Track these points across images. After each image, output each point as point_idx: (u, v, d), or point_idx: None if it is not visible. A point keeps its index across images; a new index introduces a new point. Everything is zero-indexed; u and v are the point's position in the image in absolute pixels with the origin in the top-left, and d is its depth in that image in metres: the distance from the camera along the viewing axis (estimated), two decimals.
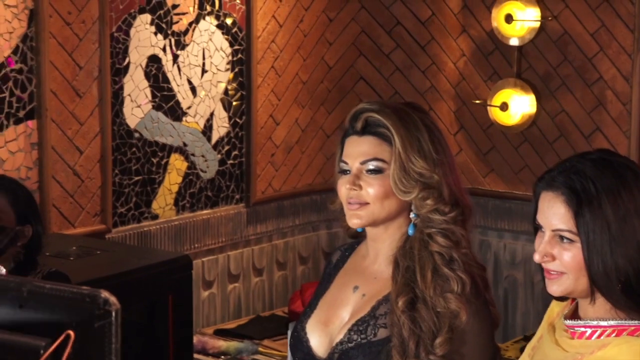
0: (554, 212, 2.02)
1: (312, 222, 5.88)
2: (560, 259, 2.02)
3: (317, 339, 2.43)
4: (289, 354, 3.67)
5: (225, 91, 5.28)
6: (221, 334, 5.21)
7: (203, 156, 5.22)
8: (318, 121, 5.82)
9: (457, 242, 2.34)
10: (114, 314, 1.78)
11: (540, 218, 2.06)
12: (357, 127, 2.38)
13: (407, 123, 2.34)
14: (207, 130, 5.23)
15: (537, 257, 2.06)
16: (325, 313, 2.46)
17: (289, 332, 3.74)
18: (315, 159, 5.84)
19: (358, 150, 2.37)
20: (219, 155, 5.30)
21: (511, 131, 5.57)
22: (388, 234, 2.40)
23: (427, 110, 2.51)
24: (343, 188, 2.39)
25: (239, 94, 5.34)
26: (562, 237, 2.02)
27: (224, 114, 5.29)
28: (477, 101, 5.62)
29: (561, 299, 2.18)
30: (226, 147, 5.33)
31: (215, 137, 5.27)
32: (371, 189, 2.35)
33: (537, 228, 2.10)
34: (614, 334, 2.01)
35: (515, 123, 5.51)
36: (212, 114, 5.23)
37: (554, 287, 2.06)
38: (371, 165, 2.35)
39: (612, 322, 2.02)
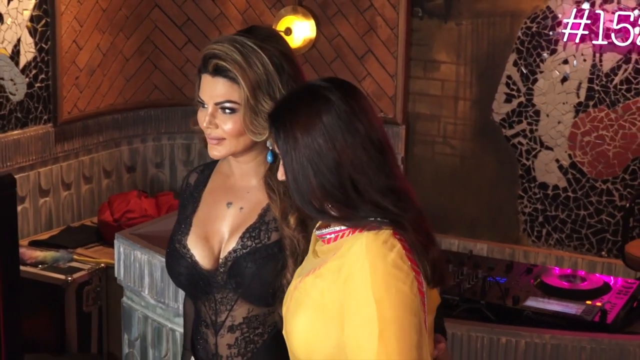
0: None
1: (114, 139, 5.72)
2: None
3: (201, 252, 2.35)
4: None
5: (31, 18, 5.00)
6: (35, 245, 5.03)
7: (12, 80, 4.94)
8: (118, 46, 5.62)
9: None
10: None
11: None
12: (209, 69, 2.27)
13: (256, 66, 2.21)
14: (15, 55, 4.95)
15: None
16: (203, 229, 2.37)
17: (115, 242, 3.67)
18: (116, 81, 5.66)
19: (212, 91, 2.25)
20: (27, 79, 5.04)
21: (294, 54, 5.57)
22: (251, 156, 2.34)
23: (280, 38, 2.39)
24: (201, 122, 2.31)
25: (43, 21, 5.07)
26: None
27: (30, 40, 5.02)
28: None
29: None
30: (33, 71, 5.07)
31: (22, 62, 4.99)
32: (226, 127, 2.26)
33: None
34: (349, 234, 2.01)
35: (298, 46, 5.53)
36: (19, 40, 4.95)
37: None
38: (224, 106, 2.28)
39: (348, 224, 2.02)
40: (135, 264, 3.53)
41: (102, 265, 4.83)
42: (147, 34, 5.79)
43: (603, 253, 5.29)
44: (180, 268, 2.37)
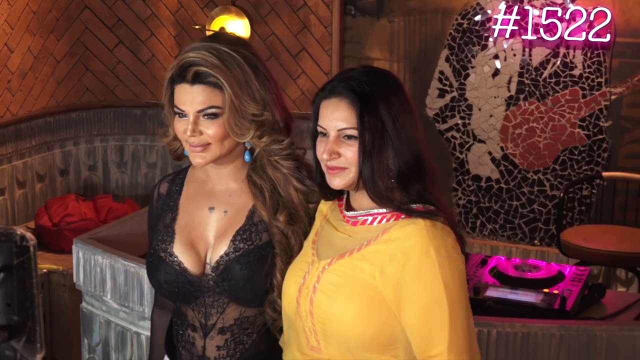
0: (338, 115, 2.07)
1: (47, 142, 5.62)
2: (345, 155, 2.07)
3: (188, 258, 2.34)
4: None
5: None
6: None
7: None
8: (49, 48, 5.52)
9: (297, 156, 2.34)
10: (31, 249, 1.64)
11: (324, 122, 2.09)
12: (187, 78, 2.25)
13: (235, 69, 2.21)
14: None
15: (325, 156, 2.09)
16: (187, 236, 2.35)
17: (74, 247, 3.61)
18: (48, 83, 5.55)
19: (193, 100, 2.22)
20: None
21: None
22: (230, 160, 2.34)
23: (247, 41, 2.42)
24: (182, 131, 2.28)
25: None
26: (346, 136, 2.07)
27: None
28: (197, 26, 5.55)
29: (332, 196, 2.23)
30: None
31: None
32: (210, 131, 2.24)
33: (316, 135, 2.14)
34: (393, 219, 2.08)
35: None
36: None
37: (337, 181, 2.10)
38: (208, 112, 2.26)
39: (387, 209, 2.10)
40: (96, 269, 3.48)
41: (45, 270, 4.74)
42: (77, 36, 5.69)
43: (536, 242, 5.43)
44: (168, 276, 2.35)
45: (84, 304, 3.65)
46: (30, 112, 5.43)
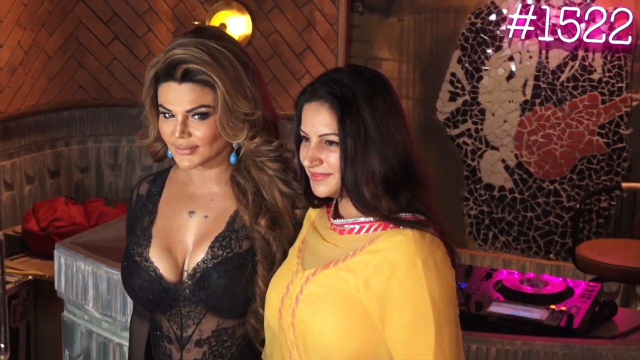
0: (319, 120, 2.06)
1: (37, 142, 5.63)
2: (327, 161, 2.07)
3: (165, 264, 2.33)
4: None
5: None
6: None
7: None
8: (40, 43, 5.54)
9: (285, 159, 2.33)
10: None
11: (306, 127, 2.09)
12: (176, 76, 2.21)
13: (226, 66, 2.21)
14: None
15: (306, 163, 2.09)
16: (165, 241, 2.34)
17: (56, 253, 3.62)
18: (39, 80, 5.57)
19: (181, 99, 2.19)
20: None
21: None
22: (216, 162, 2.34)
23: (232, 37, 2.42)
24: (168, 133, 2.27)
25: None
26: (328, 142, 2.07)
27: None
28: (196, 22, 5.56)
29: (320, 203, 2.23)
30: None
31: None
32: (199, 133, 2.23)
33: (300, 139, 2.14)
34: (380, 228, 2.07)
35: None
36: None
37: (321, 188, 2.10)
38: (198, 112, 2.25)
39: (374, 218, 2.09)
40: (78, 276, 3.48)
41: (30, 277, 4.75)
42: (71, 30, 5.71)
43: (551, 256, 5.40)
44: (143, 282, 2.34)
45: (65, 313, 3.66)
46: (19, 110, 5.45)
